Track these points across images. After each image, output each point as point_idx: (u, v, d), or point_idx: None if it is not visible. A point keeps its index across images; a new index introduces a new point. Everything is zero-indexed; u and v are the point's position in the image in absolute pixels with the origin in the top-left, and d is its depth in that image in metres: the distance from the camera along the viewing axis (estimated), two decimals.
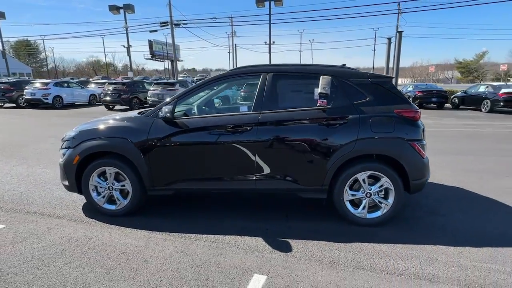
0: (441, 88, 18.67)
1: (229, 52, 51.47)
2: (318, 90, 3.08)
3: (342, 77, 3.15)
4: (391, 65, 18.15)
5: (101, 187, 3.41)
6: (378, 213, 3.14)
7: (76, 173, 3.38)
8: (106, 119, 3.57)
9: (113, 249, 2.72)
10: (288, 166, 3.11)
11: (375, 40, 45.23)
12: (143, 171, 3.24)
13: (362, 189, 3.11)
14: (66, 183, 3.46)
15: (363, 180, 3.07)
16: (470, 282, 2.26)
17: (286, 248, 2.75)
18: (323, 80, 3.07)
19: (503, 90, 14.31)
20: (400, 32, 17.44)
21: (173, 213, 3.52)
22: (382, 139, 3.00)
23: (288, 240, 2.89)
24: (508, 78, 50.00)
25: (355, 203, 3.17)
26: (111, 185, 3.38)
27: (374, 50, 48.54)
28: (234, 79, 3.53)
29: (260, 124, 3.08)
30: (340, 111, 3.07)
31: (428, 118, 12.27)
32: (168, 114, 3.12)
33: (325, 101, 3.05)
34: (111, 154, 3.31)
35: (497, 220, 3.27)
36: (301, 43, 50.52)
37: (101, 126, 3.40)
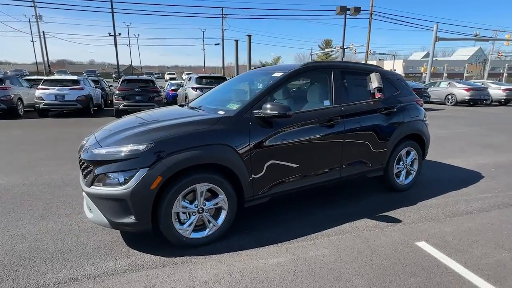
0: None
1: (31, 41, 40.52)
2: (374, 85, 3.64)
3: (383, 74, 3.84)
4: (238, 62, 20.23)
5: (184, 213, 2.61)
6: (409, 178, 4.10)
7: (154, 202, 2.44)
8: (175, 119, 2.80)
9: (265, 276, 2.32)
10: (364, 151, 3.52)
11: (203, 40, 47.90)
12: (245, 181, 2.76)
13: (402, 162, 3.97)
14: (131, 219, 2.41)
15: (404, 155, 3.94)
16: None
17: (396, 220, 3.22)
18: (377, 76, 3.66)
19: None
20: (249, 35, 19.77)
21: (253, 224, 3.15)
22: (415, 122, 3.95)
23: (387, 214, 3.36)
24: None
25: (397, 175, 4.00)
26: (202, 206, 2.66)
27: (204, 49, 51.45)
28: (308, 74, 3.47)
29: (344, 116, 3.31)
30: (390, 101, 3.77)
31: None
32: (269, 112, 2.78)
33: (382, 94, 3.66)
34: (202, 166, 2.60)
35: (443, 173, 4.99)
36: (129, 37, 46.27)
37: (185, 131, 2.60)
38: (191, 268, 2.39)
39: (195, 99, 4.07)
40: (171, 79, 36.22)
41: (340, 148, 3.30)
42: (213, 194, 2.71)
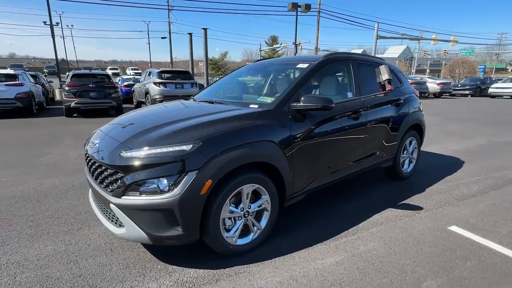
0: None
1: None
2: (385, 77, 3.70)
3: (389, 67, 3.93)
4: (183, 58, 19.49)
5: (230, 218, 2.35)
6: (411, 167, 4.29)
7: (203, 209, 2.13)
8: (209, 115, 2.52)
9: None
10: (379, 142, 3.57)
11: (148, 33, 44.75)
12: (287, 178, 2.58)
13: (405, 151, 4.13)
14: (177, 231, 2.08)
15: (407, 144, 4.11)
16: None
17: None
18: (387, 68, 3.74)
19: None
20: (205, 29, 19.12)
21: (288, 225, 2.99)
22: (417, 112, 4.13)
23: (406, 202, 3.46)
24: None
25: (402, 164, 4.15)
26: (247, 209, 2.41)
27: (149, 43, 48.58)
28: (332, 65, 3.34)
29: (366, 108, 3.31)
30: (397, 93, 3.87)
31: None
32: (311, 104, 2.61)
33: (391, 86, 3.74)
34: (247, 165, 2.35)
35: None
36: (62, 28, 40.87)
37: (229, 127, 2.31)
38: (250, 279, 2.15)
39: (198, 93, 3.72)
40: (115, 74, 33.49)
41: (363, 140, 3.30)
42: (256, 196, 2.48)
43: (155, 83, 10.87)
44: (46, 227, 2.86)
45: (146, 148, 2.12)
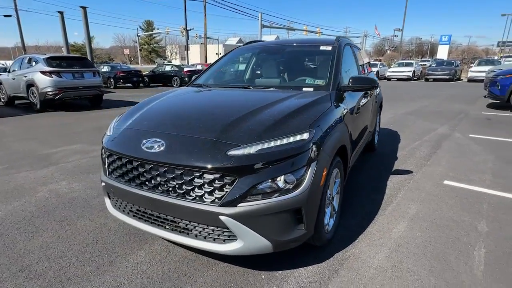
0: (135, 68, 20.23)
1: None
2: (366, 60, 4.11)
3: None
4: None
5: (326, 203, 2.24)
6: (376, 138, 4.94)
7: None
8: (277, 101, 2.30)
9: None
10: (370, 119, 3.97)
11: (16, 10, 32.37)
12: (348, 159, 2.63)
13: (376, 126, 4.75)
14: (301, 230, 1.87)
15: (377, 120, 4.73)
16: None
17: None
18: (364, 53, 4.15)
19: (185, 69, 18.66)
20: (84, 8, 16.12)
21: None
22: (380, 92, 4.76)
23: (397, 169, 4.00)
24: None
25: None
26: (333, 195, 2.36)
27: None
28: (345, 49, 3.35)
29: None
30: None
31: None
32: (363, 84, 2.68)
33: (369, 68, 4.19)
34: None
35: None
36: None
37: (319, 111, 2.15)
38: (361, 261, 2.14)
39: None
40: None
41: (368, 117, 3.62)
42: None
43: (43, 72, 8.64)
44: (101, 252, 2.04)
45: (259, 142, 1.78)
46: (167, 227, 1.95)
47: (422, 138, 5.63)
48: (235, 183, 1.70)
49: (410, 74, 23.79)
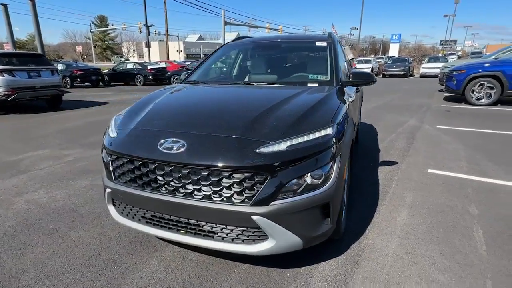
0: (95, 66, 18.99)
1: None
2: (350, 56, 4.24)
3: None
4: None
5: None
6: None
7: None
8: (288, 97, 2.29)
9: None
10: (359, 108, 4.11)
11: None
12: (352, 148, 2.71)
13: None
14: (327, 225, 1.88)
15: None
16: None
17: None
18: (348, 49, 4.28)
19: (149, 67, 17.89)
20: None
21: None
22: None
23: (384, 160, 4.18)
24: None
25: None
26: None
27: None
28: (337, 45, 3.40)
29: None
30: None
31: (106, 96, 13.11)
32: (363, 79, 2.77)
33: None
34: None
35: None
36: None
37: (332, 105, 2.20)
38: (378, 249, 2.21)
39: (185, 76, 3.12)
40: None
41: (357, 110, 3.74)
42: None
43: None
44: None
45: (287, 138, 1.75)
46: (188, 231, 1.85)
47: (396, 130, 5.96)
48: (266, 181, 1.66)
49: (369, 70, 25.08)
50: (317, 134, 1.81)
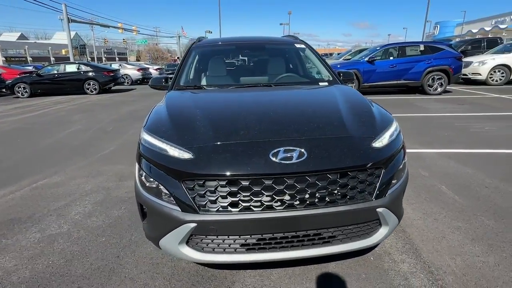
0: None
1: None
2: None
3: None
4: None
5: None
6: None
7: None
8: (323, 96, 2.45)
9: None
10: None
11: None
12: None
13: None
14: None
15: None
16: None
17: None
18: None
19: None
20: None
21: None
22: None
23: None
24: None
25: None
26: None
27: None
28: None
29: None
30: None
31: None
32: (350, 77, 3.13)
33: None
34: None
35: None
36: None
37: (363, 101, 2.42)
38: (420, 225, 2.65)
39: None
40: None
41: None
42: None
43: None
44: None
45: (383, 132, 1.90)
46: (305, 244, 1.73)
47: None
48: (382, 174, 1.76)
49: None
50: (394, 126, 2.03)
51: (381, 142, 1.82)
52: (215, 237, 1.67)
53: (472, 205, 2.83)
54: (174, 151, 1.71)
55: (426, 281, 1.91)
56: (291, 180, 1.60)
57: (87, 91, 13.97)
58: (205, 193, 1.61)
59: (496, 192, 3.07)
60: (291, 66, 3.29)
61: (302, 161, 1.61)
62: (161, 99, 2.53)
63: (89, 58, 63.05)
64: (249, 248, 1.70)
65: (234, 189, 1.59)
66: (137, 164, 1.90)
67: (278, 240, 1.69)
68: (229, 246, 1.70)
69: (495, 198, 2.95)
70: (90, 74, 13.98)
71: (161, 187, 1.71)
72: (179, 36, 59.26)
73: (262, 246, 1.70)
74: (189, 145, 1.72)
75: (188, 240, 1.70)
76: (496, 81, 11.90)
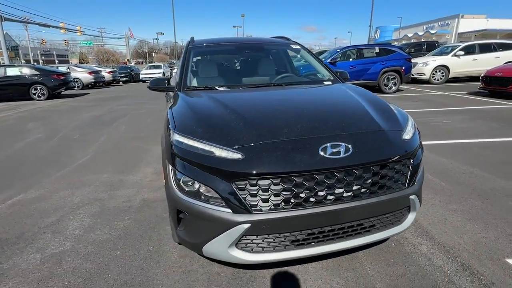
0: None
1: None
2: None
3: None
4: None
5: None
6: None
7: None
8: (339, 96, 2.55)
9: None
10: None
11: None
12: None
13: None
14: None
15: None
16: None
17: None
18: None
19: None
20: None
21: None
22: None
23: None
24: None
25: None
26: None
27: None
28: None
29: None
30: None
31: None
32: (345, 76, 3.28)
33: None
34: None
35: None
36: None
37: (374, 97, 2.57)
38: None
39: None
40: None
41: None
42: None
43: None
44: None
45: (405, 125, 2.04)
46: (349, 235, 1.81)
47: None
48: (411, 164, 1.91)
49: (160, 75, 25.78)
50: (411, 119, 2.20)
51: (408, 134, 1.97)
52: (266, 236, 1.67)
53: (458, 189, 3.16)
54: (222, 152, 1.67)
55: (446, 260, 2.10)
56: (341, 174, 1.66)
57: (34, 96, 12.67)
58: (257, 192, 1.60)
59: (473, 177, 3.46)
60: (293, 66, 3.35)
61: (349, 155, 1.68)
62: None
63: (23, 61, 57.23)
64: (299, 243, 1.73)
65: (288, 186, 1.60)
66: (171, 168, 1.81)
67: (326, 233, 1.74)
68: (279, 243, 1.71)
69: (474, 182, 3.33)
70: (37, 78, 12.68)
71: (206, 189, 1.66)
72: (127, 37, 56.44)
73: (311, 241, 1.74)
74: (236, 145, 1.69)
75: (237, 242, 1.67)
76: (438, 80, 13.27)
